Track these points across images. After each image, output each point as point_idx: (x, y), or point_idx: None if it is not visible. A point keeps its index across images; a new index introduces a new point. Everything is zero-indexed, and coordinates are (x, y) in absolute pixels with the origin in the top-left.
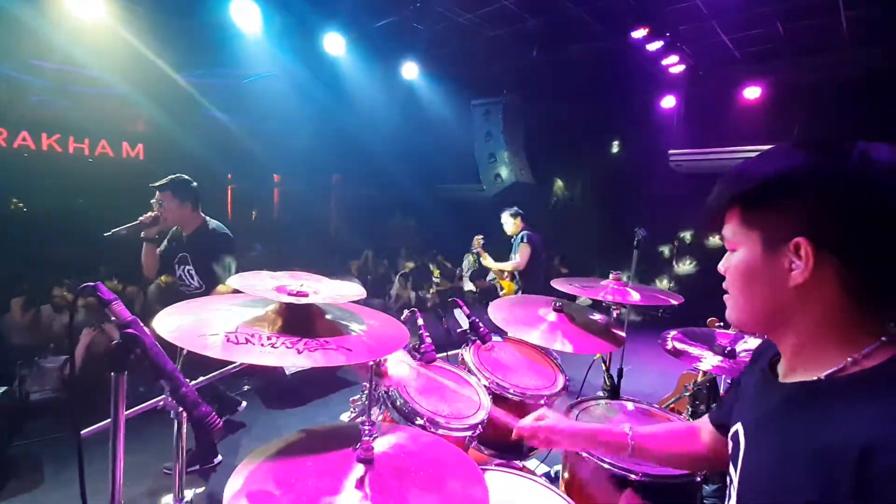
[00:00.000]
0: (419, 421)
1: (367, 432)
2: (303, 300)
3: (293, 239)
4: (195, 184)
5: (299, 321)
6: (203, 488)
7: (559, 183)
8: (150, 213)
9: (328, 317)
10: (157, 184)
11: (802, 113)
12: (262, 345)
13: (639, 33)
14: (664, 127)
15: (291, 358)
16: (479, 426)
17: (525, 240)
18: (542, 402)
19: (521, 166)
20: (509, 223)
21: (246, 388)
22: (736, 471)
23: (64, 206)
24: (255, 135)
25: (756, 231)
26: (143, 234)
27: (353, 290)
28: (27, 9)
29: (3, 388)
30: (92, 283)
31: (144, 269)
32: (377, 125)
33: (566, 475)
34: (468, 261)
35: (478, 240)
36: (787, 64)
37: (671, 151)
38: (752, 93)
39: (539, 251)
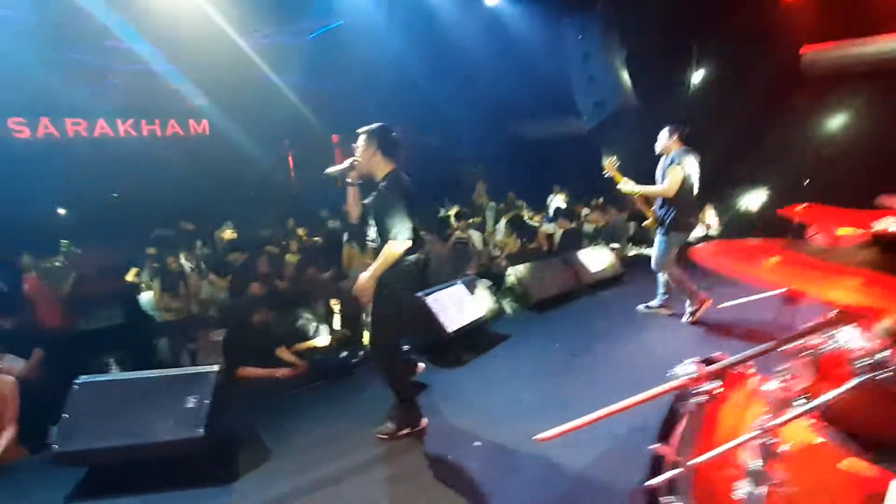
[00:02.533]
0: None
1: None
2: None
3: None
4: (394, 133)
5: None
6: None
7: (670, 102)
8: (352, 158)
9: None
10: (361, 129)
11: None
12: None
13: None
14: (792, 22)
15: None
16: None
17: (678, 161)
18: None
19: (624, 88)
20: (663, 140)
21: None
22: None
23: (148, 188)
24: (313, 94)
25: None
26: (347, 179)
27: None
28: None
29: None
30: None
31: (349, 214)
32: (451, 65)
33: None
34: (556, 201)
35: (610, 162)
36: None
37: (804, 50)
38: None
39: (690, 177)
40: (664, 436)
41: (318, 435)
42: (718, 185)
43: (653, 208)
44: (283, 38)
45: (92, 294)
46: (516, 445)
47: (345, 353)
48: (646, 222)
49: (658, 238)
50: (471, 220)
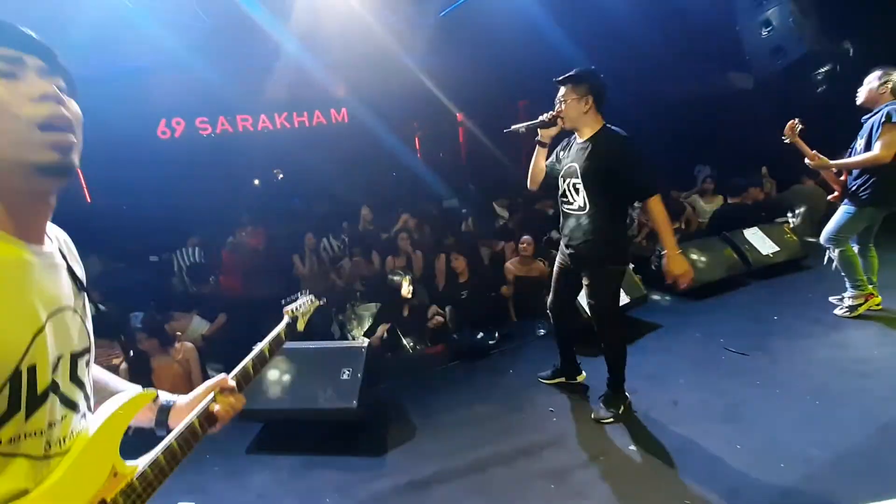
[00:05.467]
0: None
1: None
2: None
3: (486, 179)
4: (602, 77)
5: None
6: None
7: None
8: (550, 112)
9: None
10: (558, 78)
11: None
12: None
13: None
14: None
15: None
16: None
17: (893, 118)
18: None
19: (811, 29)
20: (870, 89)
21: None
22: None
23: (301, 174)
24: (440, 74)
25: None
26: (538, 137)
27: None
28: None
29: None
30: None
31: (529, 179)
32: (586, 30)
33: None
34: (705, 171)
35: (792, 125)
36: None
37: None
38: None
39: None
40: None
41: (462, 416)
42: None
43: (842, 178)
44: (413, 17)
45: (261, 268)
46: (678, 454)
47: (481, 335)
48: (831, 196)
49: (844, 208)
50: None
